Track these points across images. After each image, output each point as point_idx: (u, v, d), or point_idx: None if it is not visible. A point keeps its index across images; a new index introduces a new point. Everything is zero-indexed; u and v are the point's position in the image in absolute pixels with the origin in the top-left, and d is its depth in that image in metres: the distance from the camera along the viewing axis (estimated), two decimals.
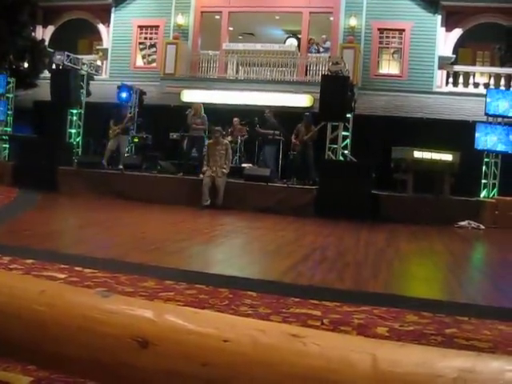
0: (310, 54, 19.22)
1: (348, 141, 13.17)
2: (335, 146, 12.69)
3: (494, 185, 13.08)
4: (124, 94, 15.71)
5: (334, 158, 12.67)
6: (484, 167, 13.10)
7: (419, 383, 1.05)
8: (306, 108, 16.16)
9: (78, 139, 14.93)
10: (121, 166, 13.61)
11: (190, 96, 17.81)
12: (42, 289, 1.39)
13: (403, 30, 18.55)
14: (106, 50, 20.80)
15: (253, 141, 14.58)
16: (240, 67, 19.13)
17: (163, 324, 1.24)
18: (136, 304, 1.33)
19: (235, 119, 14.70)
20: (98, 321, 1.29)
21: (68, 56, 14.06)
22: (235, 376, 1.15)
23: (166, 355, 1.21)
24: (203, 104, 13.89)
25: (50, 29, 21.90)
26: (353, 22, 18.55)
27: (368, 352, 1.11)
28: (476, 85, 18.28)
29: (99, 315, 1.29)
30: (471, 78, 18.47)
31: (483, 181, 13.07)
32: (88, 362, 1.28)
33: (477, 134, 12.87)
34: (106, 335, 1.26)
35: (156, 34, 20.39)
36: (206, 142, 13.28)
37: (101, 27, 21.27)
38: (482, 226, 11.18)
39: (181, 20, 19.88)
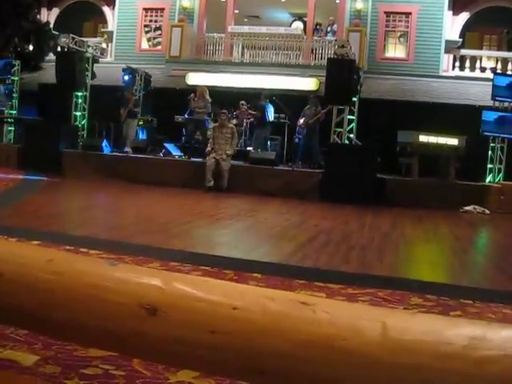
0: (317, 37, 19.12)
1: (353, 124, 13.11)
2: (341, 130, 12.64)
3: (499, 170, 13.05)
4: (128, 77, 15.69)
5: (339, 141, 12.62)
6: (490, 152, 13.06)
7: (429, 350, 1.05)
8: (312, 91, 16.09)
9: (83, 122, 14.91)
10: (126, 149, 13.64)
11: (195, 79, 17.75)
12: (50, 257, 1.39)
13: (410, 14, 18.42)
14: (111, 32, 20.72)
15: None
16: (245, 50, 19.07)
17: (171, 291, 1.24)
18: (144, 272, 1.33)
19: (241, 102, 14.66)
20: (106, 288, 1.28)
21: (73, 38, 14.01)
22: (245, 343, 1.15)
23: (175, 323, 1.21)
24: (208, 87, 13.86)
25: (55, 11, 21.81)
26: (359, 4, 18.41)
27: (378, 320, 1.10)
28: (483, 69, 18.16)
29: (107, 283, 1.29)
30: (478, 62, 18.36)
31: (489, 165, 13.03)
32: (96, 331, 1.28)
33: (483, 119, 12.81)
34: (114, 303, 1.26)
35: (161, 16, 20.30)
36: (209, 125, 13.28)
37: (106, 9, 21.19)
38: (487, 211, 11.15)
39: (186, 2, 19.78)
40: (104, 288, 1.29)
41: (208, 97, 13.33)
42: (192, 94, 13.69)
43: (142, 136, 15.57)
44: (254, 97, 14.15)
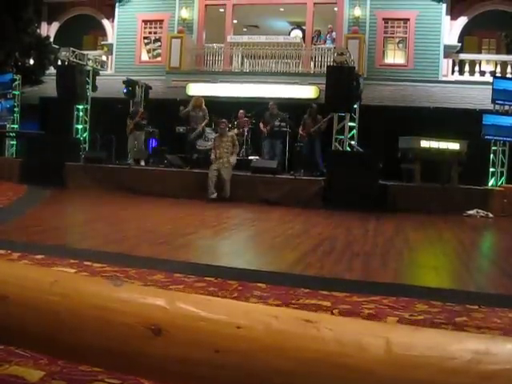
0: (316, 45, 19.17)
1: (354, 131, 13.14)
2: (342, 137, 12.66)
3: (501, 173, 13.04)
4: (129, 89, 15.75)
5: (340, 148, 12.64)
6: (492, 155, 13.06)
7: (433, 366, 1.05)
8: (312, 99, 16.13)
9: (84, 135, 14.95)
10: (129, 161, 13.70)
11: (195, 89, 17.80)
12: (55, 279, 1.39)
13: (408, 20, 18.48)
14: (111, 45, 20.82)
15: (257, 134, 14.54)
16: (245, 60, 19.13)
17: (176, 311, 1.24)
18: (148, 292, 1.34)
19: (241, 111, 14.71)
20: (111, 309, 1.29)
21: (73, 52, 14.09)
22: (249, 362, 1.15)
23: (179, 342, 1.21)
24: (208, 97, 13.94)
25: (55, 25, 21.93)
26: (357, 12, 18.48)
27: (381, 336, 1.11)
28: (482, 73, 18.19)
29: (112, 304, 1.30)
30: (477, 66, 18.39)
31: (491, 169, 13.03)
32: (102, 351, 1.28)
33: (484, 123, 12.82)
34: (120, 324, 1.27)
35: (160, 28, 20.39)
36: (211, 135, 13.35)
37: (105, 22, 21.29)
38: (491, 215, 11.14)
39: (185, 14, 19.86)
40: (109, 309, 1.29)
41: (204, 106, 13.42)
42: (182, 107, 13.81)
43: (148, 147, 15.63)
44: (264, 109, 14.12)
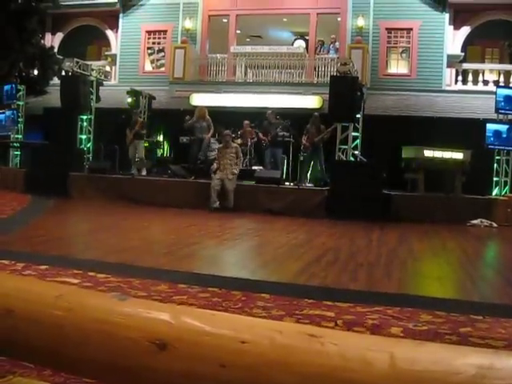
0: (320, 55, 19.23)
1: (358, 141, 13.15)
2: (345, 147, 12.67)
3: (505, 182, 13.03)
4: (132, 100, 15.81)
5: (344, 158, 12.65)
6: (495, 165, 13.05)
7: (437, 381, 1.05)
8: (315, 109, 16.15)
9: (88, 145, 15.01)
10: (132, 171, 13.72)
11: (199, 100, 17.86)
12: (59, 293, 1.40)
13: (411, 29, 18.53)
14: (115, 55, 20.92)
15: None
16: (248, 70, 19.20)
17: (180, 326, 1.25)
18: (153, 306, 1.34)
19: (246, 122, 14.74)
20: (116, 324, 1.29)
21: (77, 62, 14.16)
22: (254, 377, 1.15)
23: (184, 357, 1.21)
24: (212, 107, 13.98)
25: (59, 36, 22.06)
26: (360, 22, 18.55)
27: (385, 350, 1.11)
28: (485, 82, 18.21)
29: (116, 318, 1.30)
30: (480, 75, 18.42)
31: (495, 178, 13.02)
32: (106, 366, 1.28)
33: (487, 132, 12.82)
34: (124, 338, 1.27)
35: (164, 38, 20.49)
36: (215, 145, 13.39)
37: (109, 33, 21.40)
38: (495, 224, 11.11)
39: (188, 24, 19.96)
40: (113, 323, 1.29)
41: (208, 117, 13.47)
42: (188, 116, 13.84)
43: (150, 157, 15.66)
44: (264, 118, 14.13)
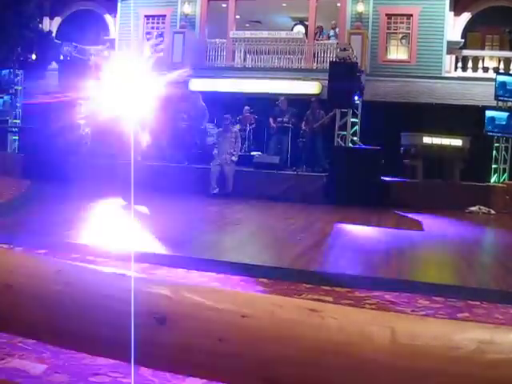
0: (319, 41, 19.12)
1: (357, 127, 13.11)
2: (344, 133, 12.63)
3: (504, 170, 13.00)
4: None
5: (343, 144, 12.62)
6: (494, 152, 13.02)
7: (438, 355, 1.05)
8: (315, 95, 16.06)
9: (87, 129, 14.91)
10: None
11: (198, 85, 17.76)
12: (58, 268, 1.39)
13: (411, 15, 18.39)
14: (113, 40, 20.78)
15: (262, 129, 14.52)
16: (247, 55, 19.08)
17: (180, 300, 1.24)
18: (153, 282, 1.34)
19: (246, 107, 14.69)
20: (115, 299, 1.29)
21: (75, 47, 14.06)
22: (253, 351, 1.15)
23: (183, 331, 1.21)
24: (211, 92, 13.91)
25: (57, 20, 21.90)
26: (360, 7, 18.40)
27: (386, 325, 1.10)
28: (485, 69, 18.12)
29: (116, 293, 1.30)
30: (480, 62, 18.31)
31: (493, 166, 12.99)
32: (106, 340, 1.28)
33: (486, 119, 12.78)
34: (124, 312, 1.27)
35: (163, 23, 20.34)
36: (213, 130, 13.34)
37: (108, 17, 21.26)
38: (493, 211, 11.12)
39: (187, 9, 19.81)
40: (113, 298, 1.29)
41: (202, 103, 13.42)
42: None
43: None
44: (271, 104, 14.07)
